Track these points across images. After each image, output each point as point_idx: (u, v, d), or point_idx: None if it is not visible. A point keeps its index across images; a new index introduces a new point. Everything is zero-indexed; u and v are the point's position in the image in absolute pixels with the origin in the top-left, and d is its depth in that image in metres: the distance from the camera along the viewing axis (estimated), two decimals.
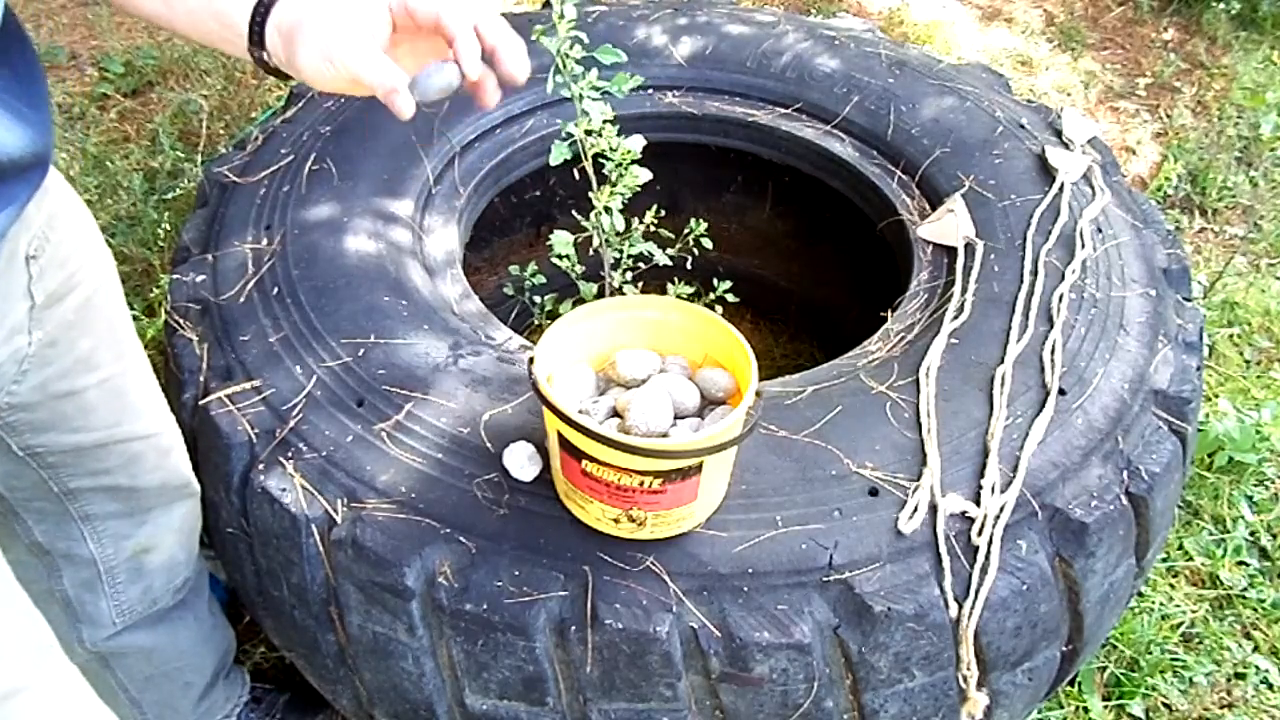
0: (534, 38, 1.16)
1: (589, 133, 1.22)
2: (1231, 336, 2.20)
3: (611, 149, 1.24)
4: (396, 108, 0.80)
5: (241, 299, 1.25)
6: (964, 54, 3.02)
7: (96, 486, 1.05)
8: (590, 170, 1.25)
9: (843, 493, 1.04)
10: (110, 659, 1.19)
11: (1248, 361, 2.17)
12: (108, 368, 1.00)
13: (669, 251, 1.41)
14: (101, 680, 1.22)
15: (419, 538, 1.00)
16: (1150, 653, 1.60)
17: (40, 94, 0.79)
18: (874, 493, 1.04)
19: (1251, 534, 1.80)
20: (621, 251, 1.37)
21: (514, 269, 1.54)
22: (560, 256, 1.34)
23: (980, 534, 1.02)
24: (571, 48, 1.15)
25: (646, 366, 1.05)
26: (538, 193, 1.90)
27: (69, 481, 1.03)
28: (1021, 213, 1.40)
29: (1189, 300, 1.37)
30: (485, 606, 0.96)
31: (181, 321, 1.26)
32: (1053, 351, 1.19)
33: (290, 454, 1.08)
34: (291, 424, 1.10)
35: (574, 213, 1.41)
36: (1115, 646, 1.61)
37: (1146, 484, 1.10)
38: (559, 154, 1.21)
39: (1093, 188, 1.46)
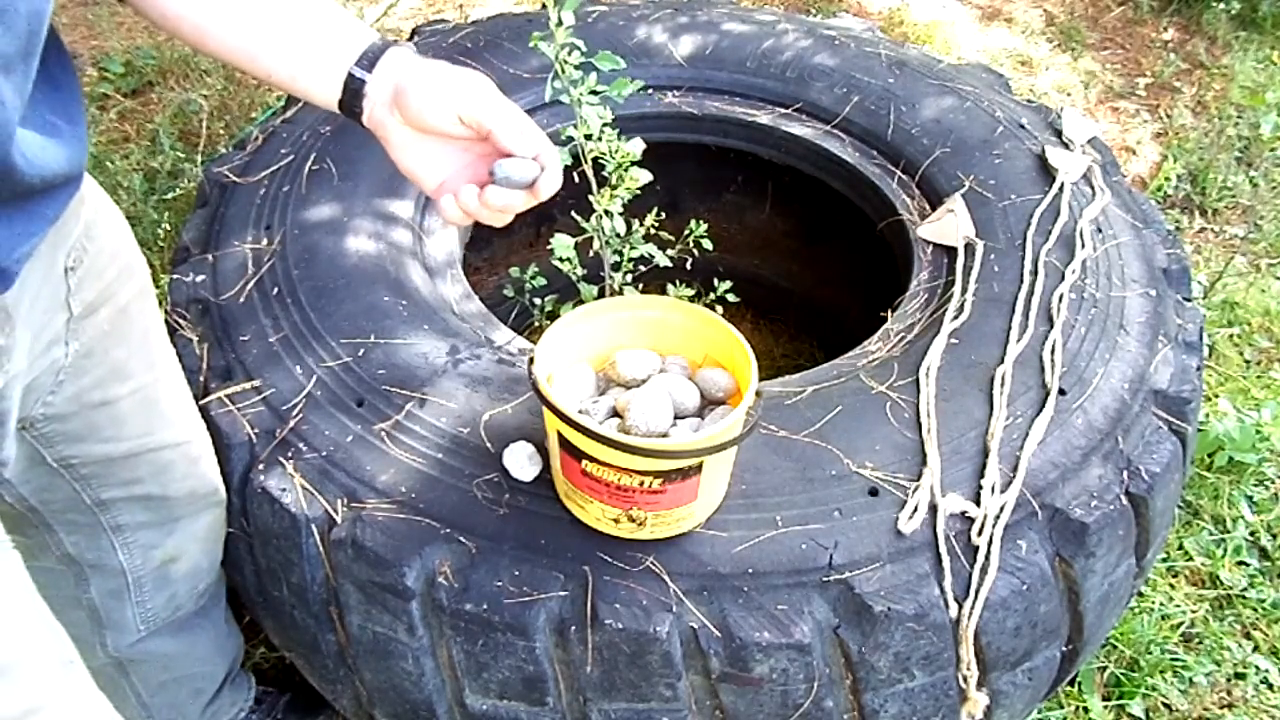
0: (532, 44, 1.16)
1: (588, 137, 1.22)
2: (1231, 336, 2.20)
3: (611, 153, 1.24)
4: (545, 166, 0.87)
5: (241, 299, 1.25)
6: (964, 54, 3.02)
7: (128, 496, 1.04)
8: (590, 174, 1.25)
9: (843, 493, 1.04)
10: (128, 665, 1.19)
11: (1248, 361, 2.17)
12: (140, 376, 0.99)
13: (669, 253, 1.41)
14: (115, 685, 1.21)
15: (419, 538, 1.00)
16: (1150, 653, 1.60)
17: (76, 105, 0.78)
18: (874, 493, 1.04)
19: (1251, 534, 1.80)
20: (622, 254, 1.37)
21: (514, 271, 1.54)
22: (561, 259, 1.34)
23: (980, 534, 1.02)
24: (570, 54, 1.15)
25: (646, 366, 1.05)
26: None
27: (101, 492, 1.02)
28: (1021, 213, 1.40)
29: (1189, 300, 1.37)
30: (485, 606, 0.96)
31: (181, 321, 1.26)
32: (1053, 351, 1.19)
33: (290, 454, 1.08)
34: (291, 424, 1.10)
35: (574, 213, 1.41)
36: (1115, 646, 1.61)
37: (1146, 484, 1.10)
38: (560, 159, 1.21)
39: (1093, 188, 1.46)
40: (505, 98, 0.87)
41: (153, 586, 1.13)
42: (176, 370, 1.07)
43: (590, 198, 1.29)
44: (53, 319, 0.86)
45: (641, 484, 0.92)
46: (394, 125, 0.87)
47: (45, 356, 0.87)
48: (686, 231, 1.45)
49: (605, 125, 1.21)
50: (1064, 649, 1.12)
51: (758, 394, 0.94)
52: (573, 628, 0.96)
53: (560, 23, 1.11)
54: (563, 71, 1.16)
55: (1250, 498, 1.86)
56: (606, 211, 1.29)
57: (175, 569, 1.14)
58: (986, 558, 1.01)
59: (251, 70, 0.86)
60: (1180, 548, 1.78)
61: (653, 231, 1.38)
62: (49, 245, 0.81)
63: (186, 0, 0.83)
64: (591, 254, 1.38)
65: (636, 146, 1.25)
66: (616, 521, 0.97)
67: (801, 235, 2.02)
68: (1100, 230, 1.38)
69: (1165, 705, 1.56)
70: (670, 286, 1.45)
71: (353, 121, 0.88)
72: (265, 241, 1.32)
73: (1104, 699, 1.56)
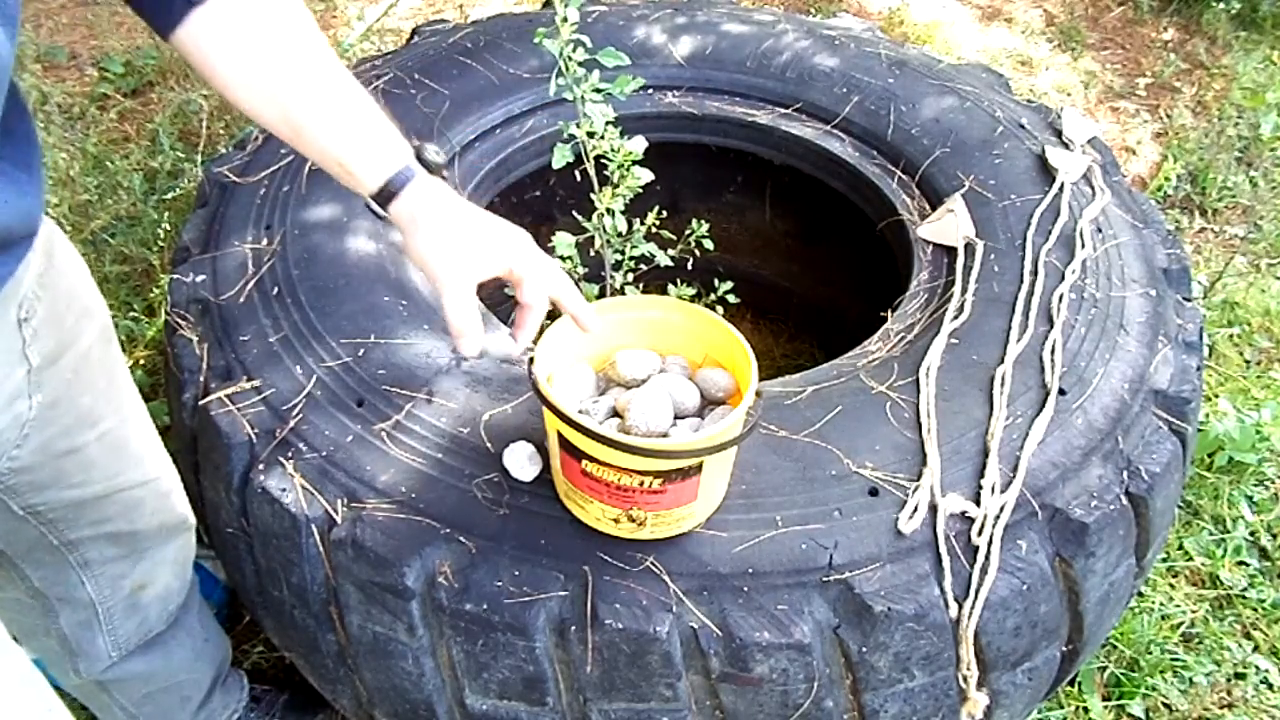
0: (536, 40, 1.16)
1: (591, 135, 1.22)
2: (1231, 336, 2.20)
3: (614, 151, 1.24)
4: (460, 348, 0.92)
5: (241, 299, 1.25)
6: (964, 54, 3.02)
7: (96, 535, 1.03)
8: (592, 172, 1.25)
9: (843, 493, 1.04)
10: (107, 684, 1.19)
11: (1248, 361, 2.17)
12: (107, 421, 0.98)
13: (670, 253, 1.41)
14: (99, 701, 1.21)
15: (419, 538, 1.00)
16: (1150, 653, 1.60)
17: (35, 154, 0.76)
18: (874, 493, 1.04)
19: (1251, 534, 1.80)
20: (623, 253, 1.37)
21: None
22: (562, 258, 1.34)
23: (980, 534, 1.02)
24: (574, 50, 1.15)
25: (646, 366, 1.05)
26: (538, 193, 1.90)
27: (68, 534, 1.01)
28: (1021, 213, 1.40)
29: (1189, 300, 1.37)
30: (485, 606, 0.96)
31: (181, 321, 1.26)
32: (1053, 351, 1.19)
33: (290, 454, 1.08)
34: (291, 424, 1.10)
35: (574, 213, 1.41)
36: (1115, 646, 1.61)
37: (1146, 484, 1.10)
38: (561, 157, 1.21)
39: (1093, 188, 1.46)
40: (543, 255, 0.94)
41: (123, 614, 1.13)
42: (141, 408, 1.05)
43: (592, 196, 1.29)
44: (11, 372, 0.84)
45: (641, 484, 0.92)
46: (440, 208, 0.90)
47: (8, 411, 0.85)
48: (687, 231, 1.45)
49: (608, 123, 1.21)
50: (1064, 649, 1.12)
51: (758, 394, 0.94)
52: (573, 628, 0.96)
53: (565, 19, 1.11)
54: (567, 69, 1.16)
55: (1250, 498, 1.86)
56: (608, 210, 1.29)
57: (145, 595, 1.14)
58: (986, 558, 1.01)
59: (298, 134, 0.89)
60: (1180, 548, 1.78)
61: (653, 231, 1.38)
62: (1, 299, 0.79)
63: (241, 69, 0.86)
64: (593, 253, 1.38)
65: (638, 145, 1.25)
66: (616, 521, 0.97)
67: (801, 235, 2.02)
68: (1100, 230, 1.38)
69: (1165, 705, 1.56)
70: (671, 286, 1.46)
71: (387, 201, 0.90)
72: (265, 241, 1.32)
73: (1104, 699, 1.56)
